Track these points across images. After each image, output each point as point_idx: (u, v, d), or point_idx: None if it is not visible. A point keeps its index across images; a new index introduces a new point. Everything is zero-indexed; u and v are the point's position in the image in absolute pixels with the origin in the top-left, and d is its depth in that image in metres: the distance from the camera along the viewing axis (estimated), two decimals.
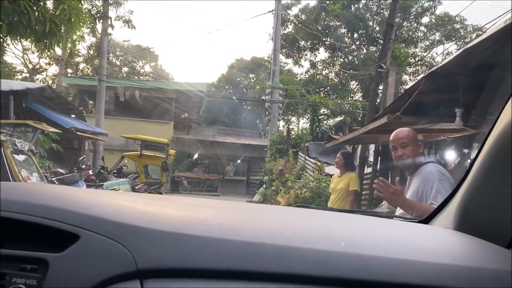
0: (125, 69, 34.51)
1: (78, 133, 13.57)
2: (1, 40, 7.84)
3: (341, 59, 26.20)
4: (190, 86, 24.00)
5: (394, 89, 8.16)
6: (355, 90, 25.64)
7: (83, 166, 10.38)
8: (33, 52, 26.84)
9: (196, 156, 25.35)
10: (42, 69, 26.62)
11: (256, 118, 34.89)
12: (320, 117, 17.40)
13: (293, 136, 15.54)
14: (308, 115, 17.68)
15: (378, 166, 8.06)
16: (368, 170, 9.54)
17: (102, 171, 12.44)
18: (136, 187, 11.06)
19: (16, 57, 26.89)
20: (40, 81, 25.94)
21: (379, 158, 8.08)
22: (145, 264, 0.82)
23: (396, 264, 0.85)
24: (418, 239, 1.10)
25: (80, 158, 10.31)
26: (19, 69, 25.01)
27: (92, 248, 0.85)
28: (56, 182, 7.65)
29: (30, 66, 26.20)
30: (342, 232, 1.11)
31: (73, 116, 15.76)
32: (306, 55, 26.34)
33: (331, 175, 9.69)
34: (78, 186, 8.02)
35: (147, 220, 0.94)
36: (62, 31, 8.00)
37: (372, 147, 9.56)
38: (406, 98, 4.55)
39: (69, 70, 28.39)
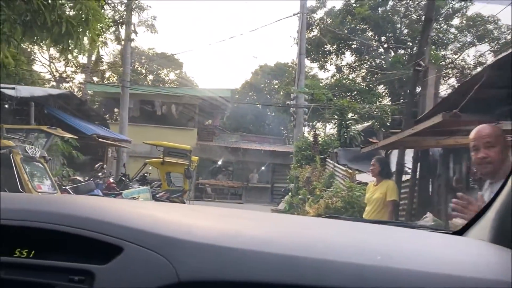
0: (150, 77, 34.48)
1: (100, 140, 13.22)
2: (17, 42, 7.44)
3: (368, 63, 25.32)
4: (214, 92, 23.58)
5: (434, 89, 7.40)
6: (383, 94, 24.69)
7: (100, 174, 9.92)
8: (59, 61, 27.06)
9: (219, 163, 24.86)
10: (69, 78, 26.71)
11: (280, 125, 34.25)
12: (348, 122, 16.64)
13: (320, 142, 14.80)
14: (335, 120, 16.92)
15: (418, 173, 7.30)
16: (403, 177, 8.77)
17: (123, 178, 12.02)
18: (158, 195, 10.55)
19: (43, 65, 27.09)
20: (65, 89, 26.02)
21: (419, 164, 7.32)
22: (186, 276, 0.84)
23: (434, 279, 0.83)
24: (455, 252, 1.08)
25: (97, 165, 9.90)
26: (47, 78, 25.11)
27: (135, 260, 0.88)
28: (71, 191, 7.18)
29: (57, 74, 26.30)
30: (376, 244, 1.08)
31: (96, 123, 15.46)
32: (331, 59, 25.57)
33: (364, 183, 8.96)
34: (94, 195, 7.54)
35: (185, 232, 0.97)
36: (79, 31, 7.60)
37: (409, 152, 8.80)
38: (462, 93, 3.83)
39: (95, 78, 28.43)
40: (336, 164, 11.38)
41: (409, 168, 7.88)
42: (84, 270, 0.88)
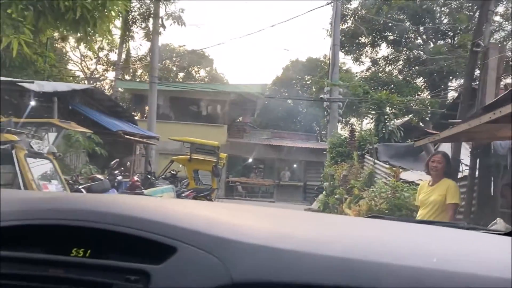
0: (180, 74, 34.10)
1: (126, 136, 12.65)
2: (29, 29, 6.82)
3: (406, 54, 23.89)
4: (244, 88, 22.79)
5: (497, 72, 6.29)
6: (422, 87, 23.23)
7: (116, 171, 9.26)
8: (90, 59, 27.00)
9: (250, 160, 24.07)
10: (100, 75, 26.61)
11: (313, 121, 33.15)
12: (386, 116, 15.47)
13: (357, 138, 13.74)
14: (372, 114, 15.77)
15: (477, 171, 6.23)
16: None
17: (149, 176, 11.39)
18: (183, 194, 9.82)
19: (74, 63, 27.10)
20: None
21: (478, 160, 6.24)
22: (240, 277, 0.84)
23: (493, 282, 0.81)
24: (508, 254, 1.01)
25: (112, 162, 9.25)
26: (77, 75, 25.05)
27: (189, 260, 0.89)
28: (83, 191, 6.51)
29: (88, 72, 26.24)
30: (429, 246, 1.05)
31: (123, 119, 14.95)
32: (366, 51, 24.31)
33: (410, 183, 7.92)
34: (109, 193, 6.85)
35: (237, 232, 0.97)
36: (96, 17, 6.95)
37: (463, 147, 7.69)
38: None
39: (127, 77, 28.23)
40: (376, 161, 10.33)
41: (466, 165, 6.80)
42: (140, 270, 0.89)
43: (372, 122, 16.70)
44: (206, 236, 0.93)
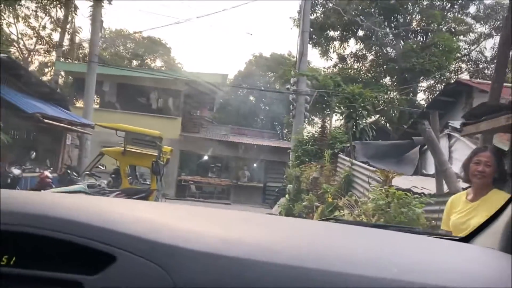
0: (134, 62, 31.10)
1: (46, 121, 9.91)
2: None
3: (375, 51, 22.21)
4: (203, 77, 20.31)
5: None
6: (391, 86, 21.62)
7: (27, 165, 6.67)
8: (30, 38, 23.66)
9: (206, 157, 21.60)
10: (39, 54, 23.33)
11: (275, 119, 31.15)
12: (357, 113, 13.53)
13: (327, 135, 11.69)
14: (343, 110, 13.77)
15: None
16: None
17: (68, 171, 8.76)
18: (109, 196, 7.28)
19: (13, 46, 23.64)
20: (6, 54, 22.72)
21: None
22: (183, 286, 0.79)
23: None
24: (468, 262, 1.02)
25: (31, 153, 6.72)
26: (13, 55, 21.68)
27: (128, 270, 0.80)
28: None
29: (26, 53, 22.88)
30: (388, 254, 1.01)
31: (50, 102, 12.16)
32: (335, 46, 22.43)
33: (406, 190, 5.85)
34: None
35: (183, 239, 0.89)
36: None
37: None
38: None
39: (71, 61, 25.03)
40: (354, 161, 8.23)
41: None
42: (73, 281, 0.79)
43: (342, 119, 14.75)
44: (149, 243, 0.83)
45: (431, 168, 8.21)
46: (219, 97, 23.70)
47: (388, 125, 21.21)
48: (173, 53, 32.55)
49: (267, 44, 67.73)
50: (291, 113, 15.47)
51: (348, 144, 9.25)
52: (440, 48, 19.76)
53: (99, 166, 9.50)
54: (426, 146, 8.85)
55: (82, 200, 1.28)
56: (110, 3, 14.90)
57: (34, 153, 8.93)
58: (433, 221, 4.98)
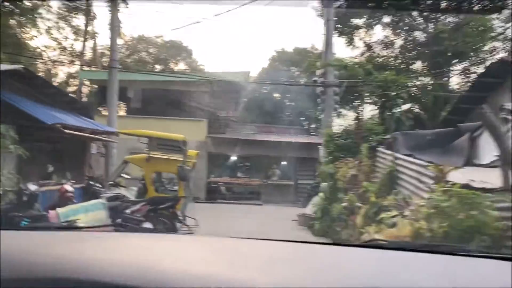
0: (158, 67, 30.83)
1: (67, 131, 9.48)
2: None
3: (404, 36, 20.98)
4: (226, 75, 19.70)
5: None
6: (422, 71, 20.37)
7: (39, 182, 6.18)
8: (54, 49, 23.64)
9: (234, 158, 21.00)
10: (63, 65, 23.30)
11: (303, 114, 30.24)
12: (392, 101, 12.57)
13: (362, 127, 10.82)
14: (376, 99, 12.84)
15: None
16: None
17: (91, 183, 8.26)
18: (129, 211, 6.68)
19: (38, 58, 23.71)
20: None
21: None
22: None
23: None
24: None
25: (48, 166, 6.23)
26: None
27: None
28: None
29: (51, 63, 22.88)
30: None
31: (71, 111, 11.79)
32: (360, 34, 21.34)
33: (464, 187, 4.98)
34: None
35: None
36: None
37: None
38: None
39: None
40: (398, 155, 7.36)
41: None
42: None
43: (375, 110, 13.80)
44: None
45: (484, 158, 7.27)
46: (243, 95, 23.05)
47: (422, 113, 20.04)
48: (195, 55, 32.05)
49: (290, 39, 66.39)
50: (319, 107, 14.62)
51: (388, 136, 8.38)
52: (474, 28, 18.44)
53: (123, 174, 8.98)
54: (476, 133, 7.89)
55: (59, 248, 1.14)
56: (126, 6, 14.43)
57: (52, 167, 8.47)
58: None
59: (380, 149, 8.57)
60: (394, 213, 5.90)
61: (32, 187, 6.15)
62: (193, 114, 20.08)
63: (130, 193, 10.49)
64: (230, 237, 1.66)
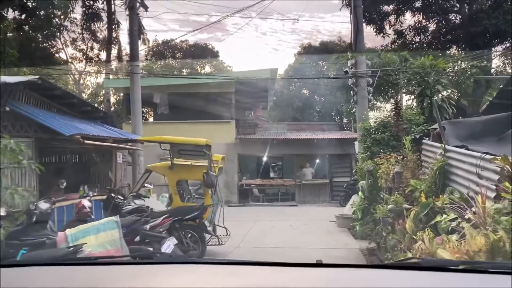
0: (184, 71, 30.51)
1: (87, 141, 8.99)
2: None
3: (437, 20, 19.55)
4: (252, 74, 18.95)
5: None
6: (460, 55, 18.91)
7: (51, 199, 5.61)
8: (80, 60, 23.66)
9: (265, 158, 20.23)
10: (89, 73, 23.24)
11: (332, 110, 29.16)
12: (432, 88, 11.44)
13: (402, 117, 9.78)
14: (415, 87, 11.72)
15: None
16: None
17: (112, 195, 7.69)
18: (148, 225, 6.01)
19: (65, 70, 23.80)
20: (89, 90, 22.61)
21: None
22: None
23: None
24: None
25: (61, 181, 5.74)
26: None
27: None
28: None
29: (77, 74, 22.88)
30: None
31: (93, 120, 11.38)
32: (390, 21, 20.06)
33: None
34: None
35: None
36: None
37: None
38: None
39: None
40: (448, 147, 6.36)
41: None
42: None
43: (413, 99, 12.65)
44: None
45: None
46: (271, 94, 22.25)
47: (463, 99, 18.61)
48: (221, 57, 31.53)
49: (315, 34, 64.81)
50: (352, 99, 13.61)
51: (434, 126, 7.36)
52: None
53: (146, 184, 8.37)
54: None
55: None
56: (146, 10, 13.94)
57: (66, 181, 7.95)
58: None
59: (426, 141, 7.56)
60: (451, 216, 4.95)
61: (44, 205, 5.59)
62: (221, 116, 19.47)
63: (162, 201, 9.94)
64: (263, 264, 1.56)
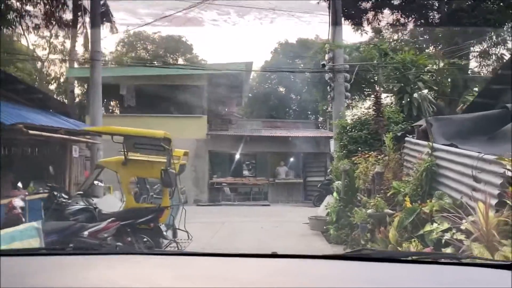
0: (156, 63, 29.21)
1: (32, 132, 7.86)
2: None
3: (415, 17, 19.06)
4: (225, 67, 17.99)
5: None
6: (438, 53, 18.47)
7: None
8: (44, 49, 22.12)
9: (238, 156, 19.31)
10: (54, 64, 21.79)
11: (308, 109, 28.49)
12: (412, 85, 10.83)
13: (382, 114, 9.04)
14: (394, 84, 11.05)
15: None
16: None
17: (55, 193, 6.60)
18: (86, 232, 5.00)
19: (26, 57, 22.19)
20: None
21: None
22: None
23: None
24: None
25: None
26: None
27: None
28: None
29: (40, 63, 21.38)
30: None
31: (43, 109, 10.20)
32: (368, 18, 19.46)
33: None
34: None
35: None
36: None
37: None
38: None
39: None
40: (437, 146, 5.61)
41: None
42: None
43: (392, 96, 12.02)
44: None
45: None
46: (246, 89, 21.36)
47: (438, 100, 18.21)
48: (195, 50, 30.28)
49: (292, 31, 64.08)
50: (328, 96, 12.87)
51: (419, 123, 6.63)
52: (495, 4, 16.56)
53: (96, 182, 7.31)
54: None
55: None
56: None
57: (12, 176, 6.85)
58: None
59: (409, 139, 6.82)
60: (444, 226, 4.18)
61: None
62: (192, 111, 18.43)
63: (115, 199, 8.89)
64: (218, 255, 1.58)
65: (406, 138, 6.94)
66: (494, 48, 18.51)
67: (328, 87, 12.60)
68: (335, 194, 10.41)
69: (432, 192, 5.31)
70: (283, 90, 31.34)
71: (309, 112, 28.91)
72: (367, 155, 7.71)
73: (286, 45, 31.47)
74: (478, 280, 1.04)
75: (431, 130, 5.93)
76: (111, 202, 8.35)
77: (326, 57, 12.31)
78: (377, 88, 12.31)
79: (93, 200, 7.08)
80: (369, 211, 5.82)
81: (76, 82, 18.86)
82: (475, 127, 6.61)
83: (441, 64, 16.99)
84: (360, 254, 1.60)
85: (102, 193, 8.44)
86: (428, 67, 12.79)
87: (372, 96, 11.82)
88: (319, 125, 24.28)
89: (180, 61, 29.34)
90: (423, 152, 5.88)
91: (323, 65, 11.84)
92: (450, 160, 5.22)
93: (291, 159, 19.71)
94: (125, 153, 7.09)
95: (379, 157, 6.98)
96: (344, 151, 10.48)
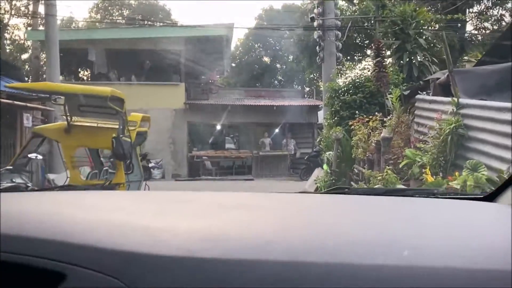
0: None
1: None
2: None
3: None
4: (204, 31, 16.28)
5: None
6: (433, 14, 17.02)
7: None
8: (6, 12, 19.94)
9: (219, 127, 17.83)
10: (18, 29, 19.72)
11: (294, 79, 26.99)
12: (412, 43, 9.43)
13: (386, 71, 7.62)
14: (393, 41, 9.62)
15: None
16: None
17: None
18: None
19: None
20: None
21: None
22: None
23: (480, 276, 0.60)
24: (497, 232, 0.78)
25: None
26: None
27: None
28: None
29: None
30: (399, 232, 0.78)
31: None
32: None
33: None
34: None
35: (151, 242, 0.70)
36: None
37: None
38: None
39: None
40: (465, 101, 4.26)
41: None
42: None
43: (390, 55, 10.59)
44: (107, 253, 0.64)
45: None
46: (227, 56, 19.67)
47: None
48: (174, 16, 28.23)
49: None
50: (318, 57, 11.36)
51: (434, 76, 5.24)
52: None
53: (32, 155, 5.80)
54: None
55: (23, 199, 1.02)
56: None
57: None
58: None
59: (422, 96, 5.44)
60: None
61: None
62: (168, 78, 16.76)
63: (62, 176, 7.39)
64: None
65: (418, 96, 5.55)
66: (491, 10, 17.19)
67: (317, 47, 11.09)
68: (325, 166, 9.12)
69: (458, 161, 3.98)
70: (268, 60, 29.70)
71: (295, 83, 27.43)
72: (366, 119, 6.32)
73: (271, 11, 29.62)
74: (455, 212, 0.97)
75: (455, 82, 4.56)
76: (60, 179, 6.88)
77: (315, 11, 10.75)
78: (371, 50, 10.83)
79: (27, 176, 5.59)
80: (375, 187, 4.50)
81: (39, 46, 16.89)
82: (504, 80, 5.24)
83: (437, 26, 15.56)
84: (335, 191, 1.56)
85: (39, 168, 6.95)
86: (430, 25, 11.38)
87: (371, 49, 10.35)
88: (305, 95, 22.83)
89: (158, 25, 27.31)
90: (444, 111, 4.52)
91: (312, 19, 10.29)
92: (485, 118, 3.87)
93: (276, 130, 18.30)
94: (67, 117, 5.57)
95: (384, 119, 5.60)
96: (335, 118, 9.11)
